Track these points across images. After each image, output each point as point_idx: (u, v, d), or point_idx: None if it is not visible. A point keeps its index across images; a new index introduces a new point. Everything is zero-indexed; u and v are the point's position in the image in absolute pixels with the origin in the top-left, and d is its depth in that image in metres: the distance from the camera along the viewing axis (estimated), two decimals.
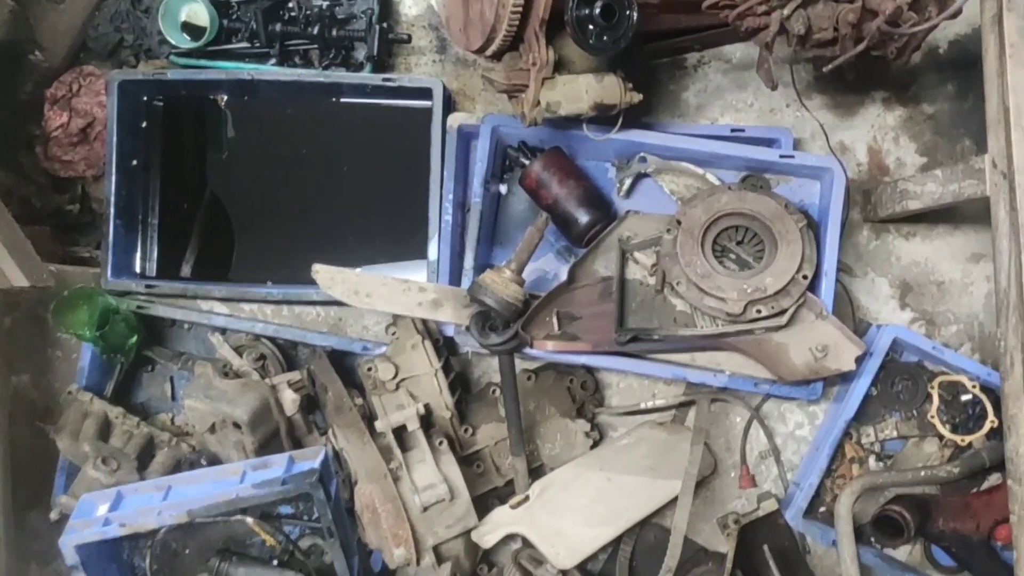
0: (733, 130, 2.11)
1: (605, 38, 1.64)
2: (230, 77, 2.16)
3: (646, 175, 2.08)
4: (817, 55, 1.74)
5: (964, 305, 2.20)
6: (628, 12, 1.61)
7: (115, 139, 2.14)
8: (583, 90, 1.78)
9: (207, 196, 2.28)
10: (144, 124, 2.22)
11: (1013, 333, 1.59)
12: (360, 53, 2.21)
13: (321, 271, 1.93)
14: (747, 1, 1.65)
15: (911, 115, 2.22)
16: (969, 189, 1.73)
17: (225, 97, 2.24)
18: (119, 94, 2.13)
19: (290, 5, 2.22)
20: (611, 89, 1.79)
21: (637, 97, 1.84)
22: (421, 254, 2.09)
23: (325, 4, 2.22)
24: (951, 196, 1.79)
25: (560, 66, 1.77)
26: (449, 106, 2.17)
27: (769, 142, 2.09)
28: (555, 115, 1.79)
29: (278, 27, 2.19)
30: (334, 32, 2.18)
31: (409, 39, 2.20)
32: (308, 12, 2.20)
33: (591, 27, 1.63)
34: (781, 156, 1.97)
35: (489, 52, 1.79)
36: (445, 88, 2.12)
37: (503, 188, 2.14)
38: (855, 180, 2.22)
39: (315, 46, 2.20)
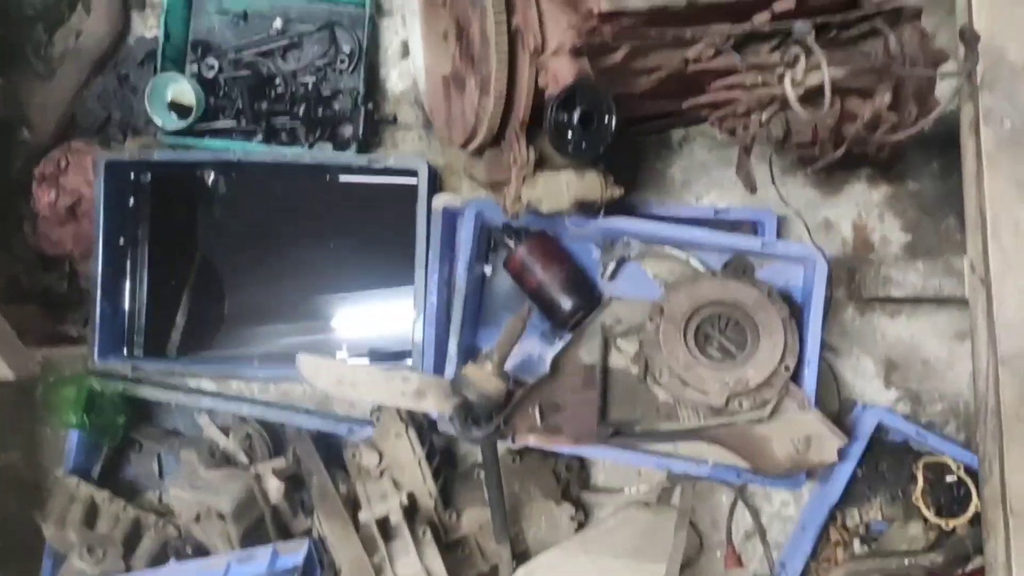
0: (717, 212, 2.12)
1: (584, 145, 1.64)
2: (216, 158, 2.16)
3: (630, 259, 2.08)
4: (799, 154, 1.75)
5: (950, 383, 2.20)
6: (607, 119, 1.62)
7: (102, 219, 2.15)
8: (564, 187, 1.78)
9: (195, 271, 2.29)
10: (131, 201, 2.24)
11: (991, 439, 1.60)
12: (347, 129, 2.22)
13: (305, 361, 1.93)
14: (726, 104, 1.66)
15: (896, 192, 2.22)
16: (949, 288, 1.74)
17: (212, 173, 2.25)
18: (106, 174, 2.14)
19: (276, 83, 2.23)
20: (592, 185, 1.80)
21: (618, 192, 1.84)
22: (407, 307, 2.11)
23: (311, 81, 2.23)
24: (932, 291, 1.80)
25: (541, 162, 1.78)
26: (435, 184, 2.17)
27: (753, 223, 2.10)
28: (536, 211, 1.79)
29: (264, 105, 2.20)
30: (320, 112, 2.19)
31: (395, 120, 2.21)
32: (294, 91, 2.20)
33: (570, 134, 1.63)
34: (763, 245, 1.97)
35: (470, 148, 1.80)
36: (430, 168, 2.13)
37: (488, 269, 2.15)
38: (840, 257, 2.22)
39: (301, 123, 2.20)
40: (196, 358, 2.23)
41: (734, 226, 2.14)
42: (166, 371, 2.18)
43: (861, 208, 2.22)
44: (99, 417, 2.05)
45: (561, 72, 1.60)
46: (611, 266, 2.08)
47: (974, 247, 1.62)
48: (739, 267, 2.07)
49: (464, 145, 1.82)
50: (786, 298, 2.02)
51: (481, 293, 2.16)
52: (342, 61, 2.25)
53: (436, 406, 1.94)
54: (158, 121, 2.15)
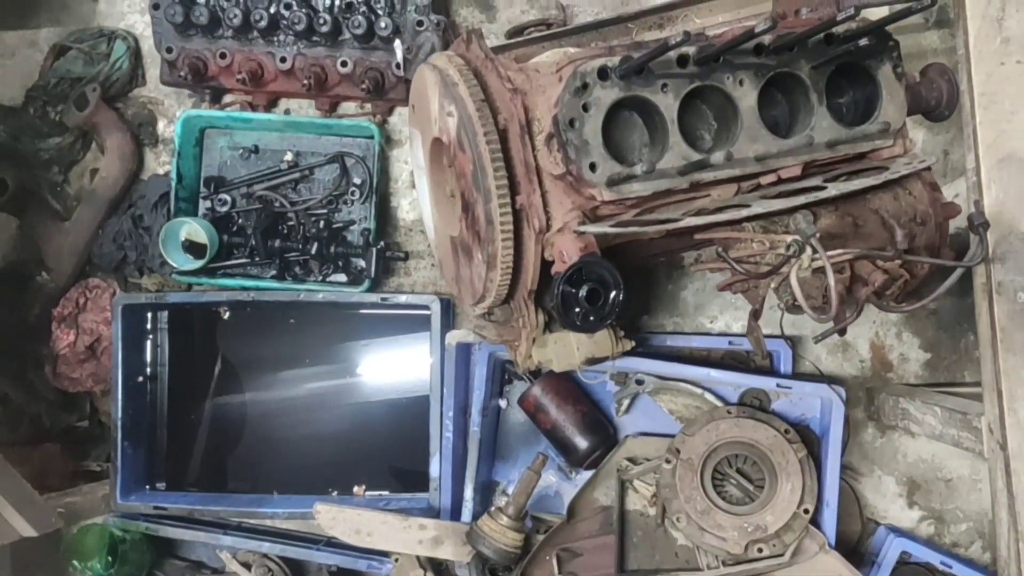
0: (731, 342, 2.10)
1: (592, 318, 1.63)
2: (230, 298, 2.19)
3: (645, 394, 2.07)
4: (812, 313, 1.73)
5: (973, 502, 2.17)
6: (614, 295, 1.61)
7: (120, 359, 2.18)
8: (574, 347, 1.78)
9: (213, 404, 2.31)
10: (149, 338, 2.26)
11: None
12: (360, 261, 2.23)
13: (323, 511, 1.95)
14: (738, 276, 1.64)
15: (914, 310, 2.19)
16: (967, 442, 1.71)
17: (227, 310, 2.27)
18: (123, 317, 2.17)
19: (289, 219, 2.24)
20: (602, 343, 1.79)
21: (629, 345, 1.83)
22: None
23: (323, 215, 2.24)
24: (950, 440, 1.77)
25: (551, 321, 1.78)
26: (449, 315, 2.18)
27: (768, 352, 2.09)
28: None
29: (277, 243, 2.22)
30: (332, 248, 2.20)
31: (406, 256, 2.22)
32: (306, 227, 2.22)
33: (577, 309, 1.63)
34: (778, 385, 1.96)
35: (479, 311, 1.80)
36: (442, 301, 2.13)
37: (503, 403, 2.15)
38: (858, 377, 2.20)
39: (314, 259, 2.22)
40: (216, 494, 2.25)
41: (750, 352, 2.12)
42: (186, 512, 2.19)
43: (878, 327, 2.20)
44: (123, 564, 2.07)
45: (567, 249, 1.59)
46: (626, 403, 2.08)
47: (991, 410, 1.60)
48: (755, 398, 2.05)
49: (473, 305, 1.82)
50: (803, 431, 2.01)
51: (497, 426, 2.16)
52: (352, 193, 2.26)
53: (453, 553, 1.95)
54: (173, 263, 2.17)
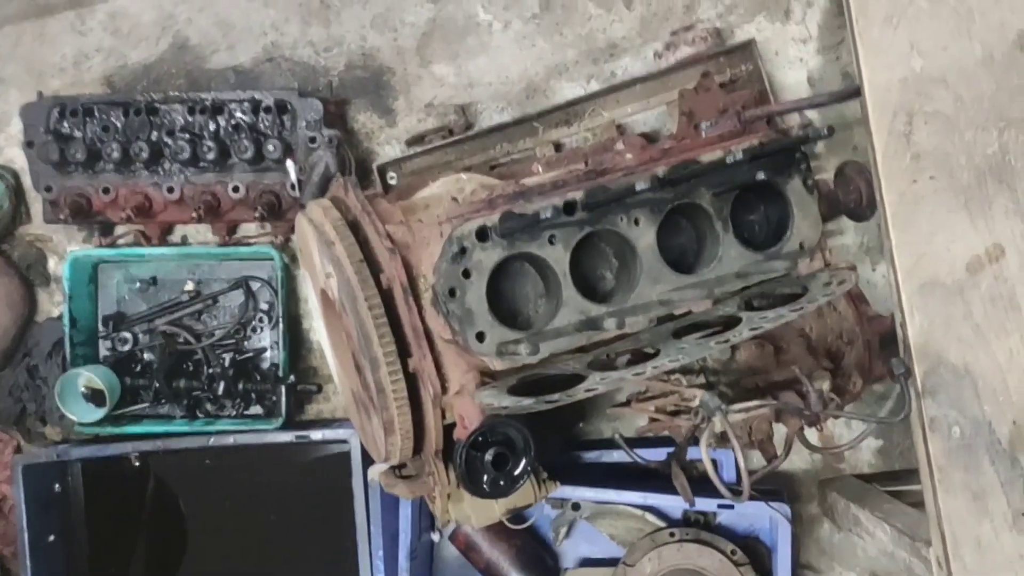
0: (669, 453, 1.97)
1: (502, 483, 1.51)
2: (137, 448, 2.05)
3: (583, 519, 1.95)
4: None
5: None
6: (524, 459, 1.48)
7: (25, 521, 2.04)
8: (493, 500, 1.65)
9: (137, 557, 2.17)
10: (57, 490, 2.12)
11: None
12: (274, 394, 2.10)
13: None
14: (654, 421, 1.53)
15: (863, 398, 2.08)
16: (918, 568, 1.59)
17: (137, 455, 2.13)
18: (24, 477, 2.03)
19: (195, 354, 2.11)
20: (524, 494, 1.67)
21: (554, 487, 1.71)
22: None
23: (230, 347, 2.11)
24: (901, 562, 1.66)
25: None
26: None
27: (713, 460, 1.97)
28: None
29: (182, 383, 2.08)
30: (240, 386, 2.07)
31: (319, 388, 2.09)
32: (213, 365, 2.08)
33: (484, 476, 1.50)
34: (719, 506, 1.84)
35: (386, 468, 1.67)
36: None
37: (435, 536, 2.02)
38: (809, 470, 2.10)
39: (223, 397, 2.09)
40: None
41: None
42: None
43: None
44: None
45: (467, 414, 1.46)
46: (563, 530, 1.96)
47: (938, 546, 1.48)
48: (699, 516, 1.94)
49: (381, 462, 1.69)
50: (753, 544, 1.90)
51: (432, 562, 2.03)
52: (260, 319, 2.13)
53: None
54: (72, 417, 2.03)
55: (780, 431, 1.59)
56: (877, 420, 1.39)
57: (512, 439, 1.49)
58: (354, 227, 1.50)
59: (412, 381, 1.48)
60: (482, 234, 1.36)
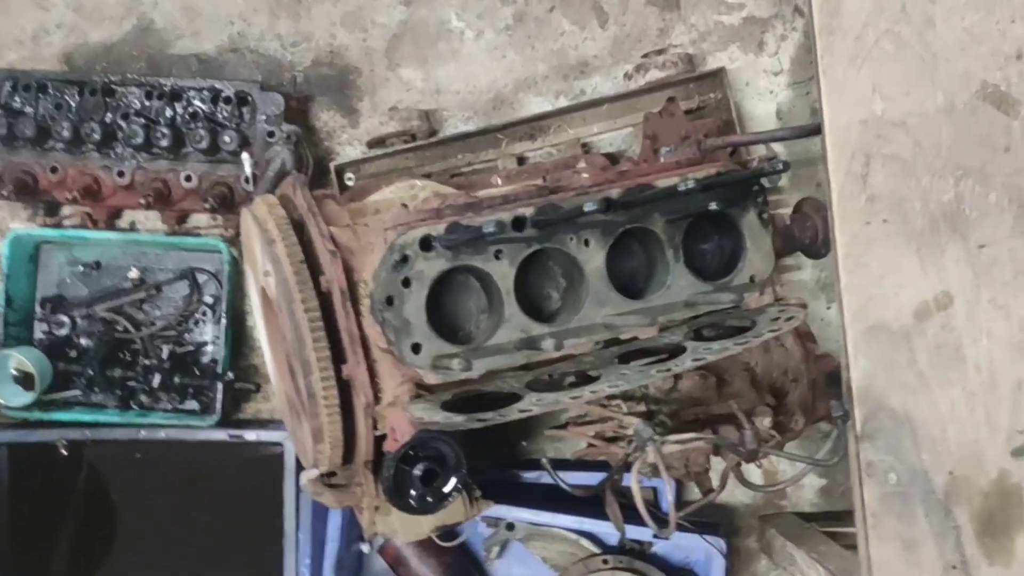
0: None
1: (430, 500, 1.46)
2: (64, 435, 1.98)
3: (516, 540, 1.91)
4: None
5: None
6: (454, 476, 1.44)
7: None
8: (421, 517, 1.61)
9: (61, 549, 2.10)
10: None
11: None
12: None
13: None
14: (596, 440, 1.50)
15: (807, 432, 2.06)
16: None
17: (65, 443, 2.06)
18: None
19: (134, 344, 2.05)
20: (454, 511, 1.63)
21: (487, 506, 1.67)
22: None
23: (171, 339, 2.05)
24: None
25: None
26: None
27: (652, 488, 1.95)
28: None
29: (117, 372, 2.02)
30: (176, 379, 2.01)
31: (258, 388, 2.04)
32: (150, 356, 2.03)
33: (412, 491, 1.46)
34: (655, 536, 1.81)
35: (314, 476, 1.62)
36: None
37: (365, 548, 1.98)
38: (750, 504, 2.07)
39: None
40: None
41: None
42: None
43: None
44: None
45: (398, 426, 1.42)
46: (496, 549, 1.92)
47: None
48: (635, 543, 1.91)
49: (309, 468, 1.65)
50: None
51: (359, 572, 1.99)
52: (203, 313, 2.07)
53: None
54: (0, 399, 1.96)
55: (720, 464, 1.57)
56: (812, 461, 1.36)
57: (444, 455, 1.44)
58: (299, 227, 1.46)
59: (345, 388, 1.44)
60: (426, 244, 1.33)
